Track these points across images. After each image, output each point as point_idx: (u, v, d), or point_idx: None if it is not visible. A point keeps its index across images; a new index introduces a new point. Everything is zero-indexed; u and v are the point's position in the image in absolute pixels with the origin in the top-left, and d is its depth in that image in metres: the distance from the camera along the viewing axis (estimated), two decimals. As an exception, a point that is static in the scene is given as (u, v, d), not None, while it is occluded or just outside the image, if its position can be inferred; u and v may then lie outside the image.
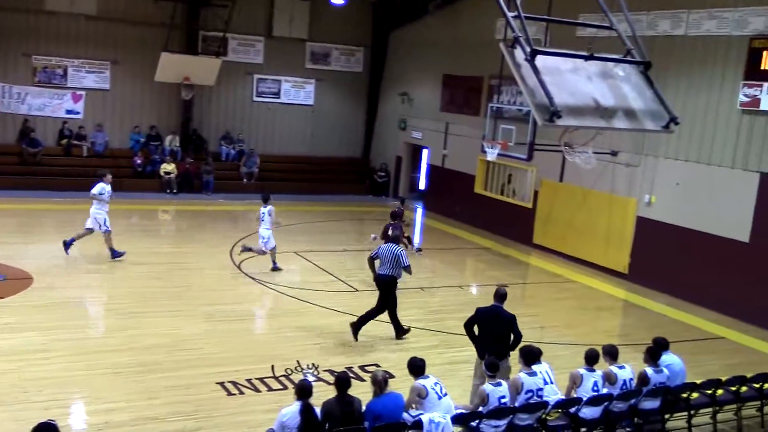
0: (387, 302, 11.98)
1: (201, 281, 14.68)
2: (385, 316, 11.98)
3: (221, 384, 9.70)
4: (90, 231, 15.45)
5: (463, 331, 9.41)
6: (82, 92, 23.82)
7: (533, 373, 8.19)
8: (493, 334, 9.22)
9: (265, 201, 15.50)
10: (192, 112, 25.24)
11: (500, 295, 9.44)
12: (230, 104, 25.95)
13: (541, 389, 8.12)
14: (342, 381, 7.27)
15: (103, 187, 15.50)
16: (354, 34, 27.00)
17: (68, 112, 23.76)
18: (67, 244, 15.33)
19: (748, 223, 14.68)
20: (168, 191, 23.53)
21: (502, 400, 7.75)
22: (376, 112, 27.98)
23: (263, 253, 15.61)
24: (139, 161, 23.83)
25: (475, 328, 9.37)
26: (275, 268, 15.59)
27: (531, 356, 8.31)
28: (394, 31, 26.79)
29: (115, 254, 15.48)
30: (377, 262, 12.04)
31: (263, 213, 15.36)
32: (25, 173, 22.29)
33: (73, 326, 11.44)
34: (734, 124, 14.97)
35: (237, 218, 21.24)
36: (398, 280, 12.00)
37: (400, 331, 12.11)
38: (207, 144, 25.63)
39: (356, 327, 11.86)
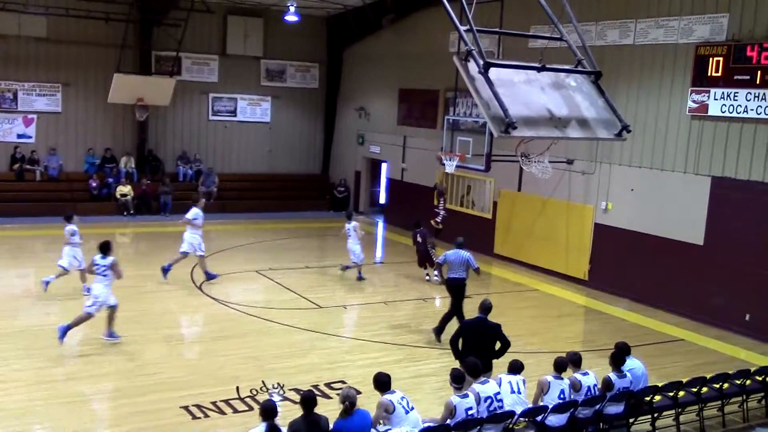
0: (460, 303, 12.67)
1: (161, 304, 14.46)
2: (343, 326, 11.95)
3: (186, 408, 9.56)
4: (185, 255, 15.70)
5: (430, 345, 9.46)
6: (34, 116, 23.41)
7: (485, 381, 8.28)
8: (481, 346, 9.37)
9: (349, 217, 16.84)
10: (147, 133, 24.97)
11: (485, 307, 9.68)
12: (186, 124, 25.74)
13: (498, 393, 8.19)
14: (308, 400, 7.21)
15: (197, 212, 15.81)
16: (309, 50, 27.02)
17: (20, 136, 23.33)
18: (165, 270, 15.62)
19: (701, 227, 15.00)
20: (125, 213, 23.20)
21: (469, 412, 7.77)
22: (333, 127, 28.00)
23: (358, 265, 16.60)
24: (94, 184, 23.47)
25: (460, 343, 9.49)
26: (360, 278, 16.72)
27: (476, 370, 8.30)
28: (348, 46, 26.89)
29: (210, 276, 15.78)
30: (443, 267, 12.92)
31: (349, 228, 16.48)
32: (-24, 200, 21.79)
33: (32, 355, 11.16)
34: (684, 130, 15.31)
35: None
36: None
37: (441, 333, 12.63)
38: (164, 165, 25.36)
39: (438, 331, 12.63)
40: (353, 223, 16.67)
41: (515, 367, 8.80)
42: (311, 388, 10.30)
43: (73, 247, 14.60)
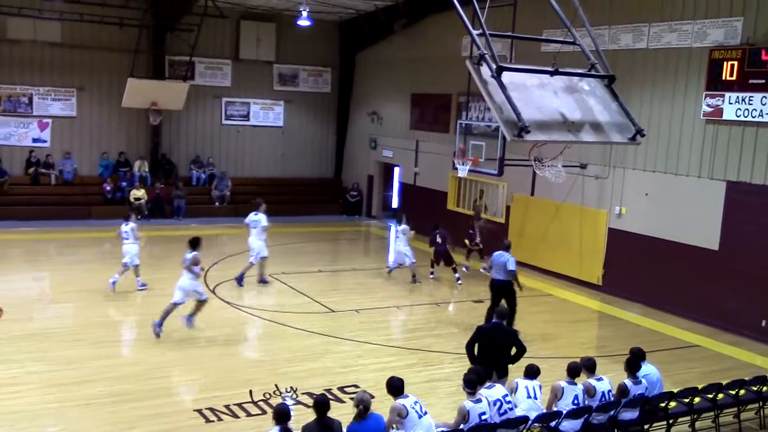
0: (514, 302, 13.16)
1: (174, 307, 14.49)
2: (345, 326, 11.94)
3: (199, 411, 9.57)
4: (262, 259, 15.92)
5: (444, 349, 9.43)
6: (49, 120, 23.59)
7: (492, 386, 8.25)
8: (496, 351, 9.37)
9: (400, 221, 17.24)
10: (161, 137, 25.09)
11: (501, 313, 9.72)
12: (199, 128, 25.84)
13: (507, 395, 8.17)
14: (321, 404, 7.19)
15: (260, 218, 15.87)
16: (321, 55, 27.09)
17: (35, 140, 23.51)
18: (239, 280, 15.89)
19: (716, 232, 14.89)
20: (138, 217, 23.26)
21: (483, 417, 7.74)
22: (346, 131, 28.03)
23: (414, 265, 16.92)
24: (108, 188, 23.60)
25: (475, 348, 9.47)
26: (415, 281, 17.09)
27: (471, 383, 8.04)
28: (361, 51, 26.93)
29: (263, 281, 16.10)
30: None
31: (398, 231, 17.00)
32: (-8, 204, 21.95)
33: (45, 358, 11.22)
34: (699, 134, 15.22)
35: (210, 243, 21.05)
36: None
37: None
38: (177, 169, 25.47)
39: None
40: (402, 226, 17.05)
41: (532, 372, 8.75)
42: (324, 392, 10.29)
43: (130, 245, 15.18)
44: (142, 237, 21.81)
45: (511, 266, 12.94)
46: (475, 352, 9.45)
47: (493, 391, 8.13)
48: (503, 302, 12.83)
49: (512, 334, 9.50)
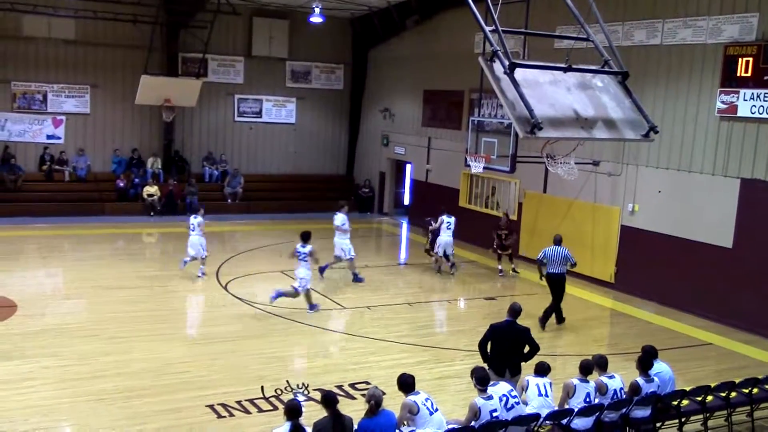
0: (561, 295, 13.88)
1: (187, 304, 14.59)
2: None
3: (211, 406, 9.62)
4: (339, 259, 16.61)
5: (455, 346, 9.42)
6: (63, 117, 23.73)
7: (494, 383, 8.16)
8: (509, 349, 9.37)
9: (449, 212, 17.89)
10: (174, 134, 25.20)
11: (515, 311, 9.64)
12: (212, 125, 25.93)
13: (512, 390, 8.10)
14: (328, 399, 7.21)
15: (343, 218, 16.60)
16: (333, 51, 27.10)
17: (49, 137, 23.66)
18: (322, 270, 16.35)
19: (730, 229, 14.79)
20: (151, 214, 23.42)
21: (494, 414, 7.73)
22: (358, 128, 28.04)
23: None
24: (122, 183, 23.73)
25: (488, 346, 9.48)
26: (453, 269, 17.81)
27: (483, 380, 8.06)
28: (373, 47, 26.92)
29: (357, 279, 16.55)
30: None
31: (449, 223, 17.54)
32: (6, 200, 22.11)
33: (58, 353, 11.30)
34: (713, 131, 15.11)
35: (223, 239, 21.15)
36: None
37: (545, 323, 13.90)
38: (190, 165, 25.57)
39: (543, 321, 13.82)
40: (453, 218, 17.69)
41: (542, 369, 8.74)
42: (335, 388, 10.33)
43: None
44: (154, 233, 22.03)
45: (573, 258, 13.80)
46: (488, 350, 9.42)
47: (497, 389, 8.10)
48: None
49: (525, 332, 9.46)
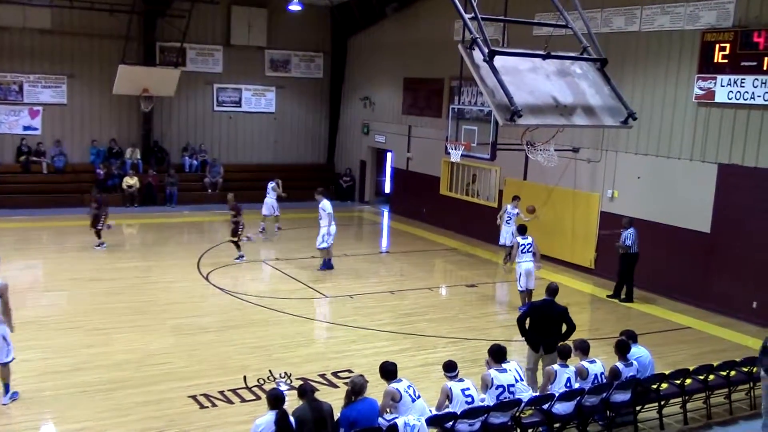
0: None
1: (168, 294, 14.51)
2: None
3: (193, 397, 9.60)
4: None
5: (436, 333, 9.47)
6: (39, 108, 23.45)
7: (503, 370, 8.28)
8: (547, 327, 9.66)
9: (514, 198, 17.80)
10: (152, 124, 24.99)
11: (552, 290, 9.96)
12: (191, 115, 25.74)
13: (512, 385, 8.20)
14: (301, 390, 7.32)
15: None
16: (313, 40, 26.98)
17: (26, 128, 23.38)
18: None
19: (708, 214, 14.95)
20: (130, 205, 23.25)
21: (466, 392, 7.89)
22: (338, 117, 27.97)
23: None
24: (101, 173, 23.51)
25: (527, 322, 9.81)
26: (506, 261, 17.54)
27: (500, 354, 8.36)
28: (352, 36, 26.82)
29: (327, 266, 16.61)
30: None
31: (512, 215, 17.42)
32: (-17, 192, 21.86)
33: (39, 346, 11.22)
34: (691, 117, 15.24)
35: (202, 229, 21.05)
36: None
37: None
38: (169, 156, 25.39)
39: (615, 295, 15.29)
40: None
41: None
42: (318, 376, 10.35)
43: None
44: (134, 224, 21.87)
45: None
46: (527, 327, 9.75)
47: (503, 376, 8.20)
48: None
49: (563, 312, 9.77)
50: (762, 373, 8.92)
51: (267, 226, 20.43)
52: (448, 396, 7.88)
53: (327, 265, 16.47)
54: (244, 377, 10.29)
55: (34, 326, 12.13)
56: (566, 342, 9.22)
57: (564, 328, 9.75)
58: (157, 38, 24.08)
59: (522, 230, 14.40)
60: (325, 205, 16.24)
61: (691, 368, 9.59)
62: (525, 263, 13.82)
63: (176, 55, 23.61)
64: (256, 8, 25.46)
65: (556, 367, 8.68)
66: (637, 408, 9.08)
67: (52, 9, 22.36)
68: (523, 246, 13.89)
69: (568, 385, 8.56)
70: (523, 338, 9.83)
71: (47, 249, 18.48)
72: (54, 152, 23.49)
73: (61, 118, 23.83)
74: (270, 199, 20.42)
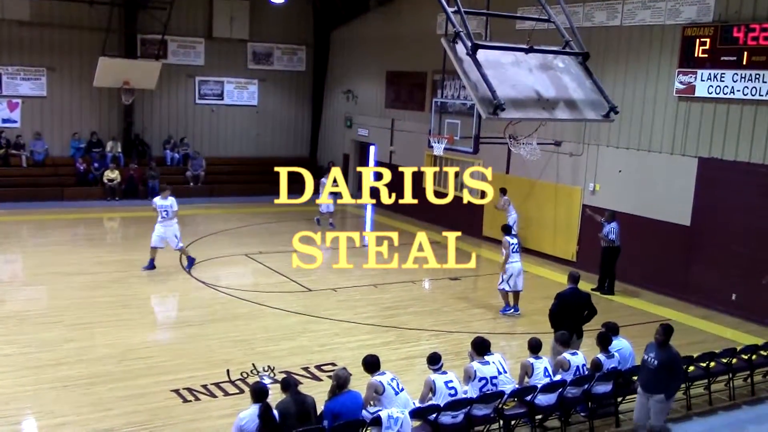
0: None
1: (149, 288, 14.44)
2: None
3: (176, 391, 9.57)
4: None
5: (419, 326, 9.52)
6: (18, 100, 23.19)
7: (486, 362, 8.35)
8: (578, 314, 10.17)
9: (504, 192, 18.11)
10: (133, 117, 24.81)
11: (575, 277, 10.44)
12: (173, 108, 25.57)
13: (495, 377, 8.27)
14: (284, 383, 7.36)
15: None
16: (295, 33, 26.87)
17: (4, 121, 23.12)
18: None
19: (688, 207, 15.09)
20: (112, 198, 23.09)
21: (450, 385, 7.93)
22: (321, 110, 27.91)
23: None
24: (81, 167, 23.31)
25: None
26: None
27: (482, 346, 8.44)
28: (335, 29, 26.74)
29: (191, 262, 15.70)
30: None
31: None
32: (-39, 186, 21.60)
33: (19, 341, 11.13)
34: (671, 111, 15.36)
35: (184, 223, 20.90)
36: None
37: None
38: (150, 149, 25.22)
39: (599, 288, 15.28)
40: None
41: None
42: (301, 370, 10.36)
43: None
44: (115, 218, 21.72)
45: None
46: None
47: (485, 369, 8.30)
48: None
49: (588, 298, 10.30)
50: None
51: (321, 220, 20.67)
52: (431, 388, 7.92)
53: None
54: (228, 371, 10.27)
55: (15, 321, 12.05)
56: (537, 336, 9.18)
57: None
58: (138, 30, 23.88)
59: (507, 230, 13.96)
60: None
61: (671, 360, 9.67)
62: (517, 263, 13.49)
63: (157, 47, 23.42)
64: (239, 0, 25.31)
65: (530, 359, 8.78)
66: (618, 399, 9.17)
67: (31, 0, 22.09)
68: (513, 246, 13.47)
69: (547, 374, 8.64)
70: (553, 330, 10.01)
71: (27, 243, 18.31)
72: (34, 145, 23.25)
73: (41, 110, 23.57)
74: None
